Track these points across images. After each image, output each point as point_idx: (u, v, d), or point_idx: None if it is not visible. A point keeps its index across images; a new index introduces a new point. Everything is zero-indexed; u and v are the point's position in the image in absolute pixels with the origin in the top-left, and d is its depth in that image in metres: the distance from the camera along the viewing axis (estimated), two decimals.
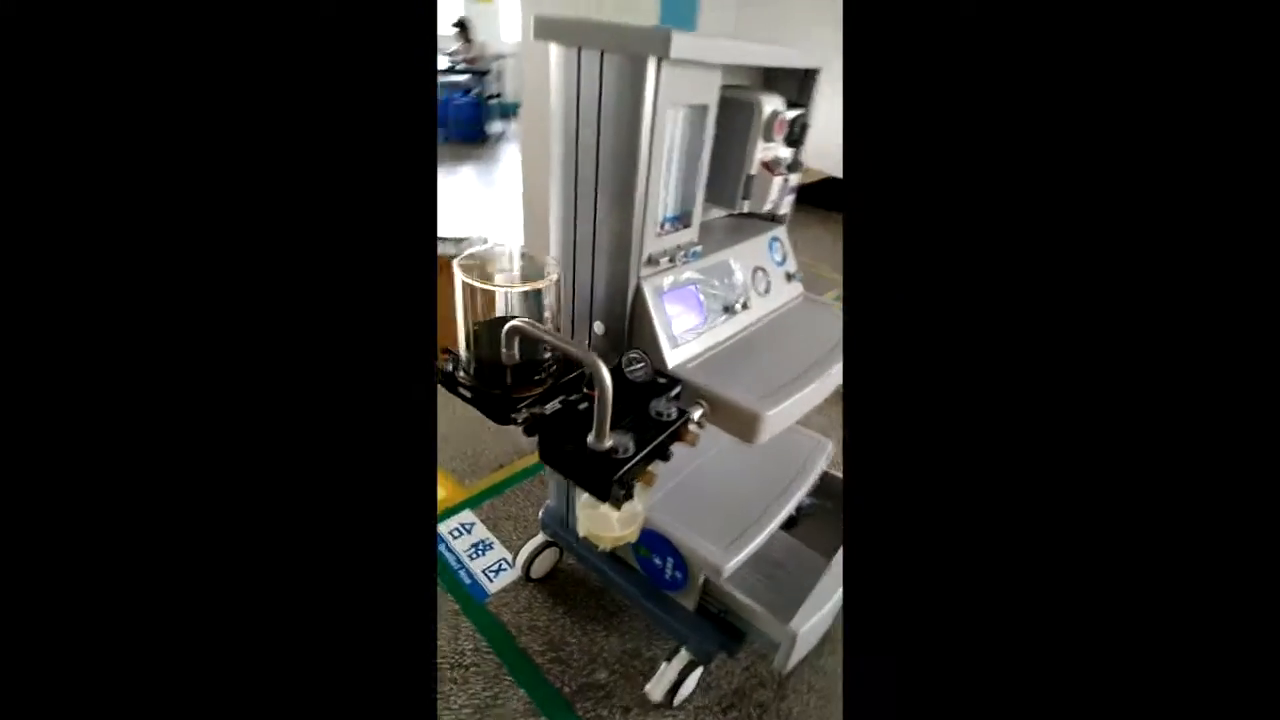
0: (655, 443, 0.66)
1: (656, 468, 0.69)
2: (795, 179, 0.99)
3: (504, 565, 1.39)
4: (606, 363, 0.59)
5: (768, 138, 0.90)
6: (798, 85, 0.98)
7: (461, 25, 5.92)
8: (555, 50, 0.75)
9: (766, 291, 1.00)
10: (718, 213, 1.08)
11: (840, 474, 1.25)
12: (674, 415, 0.71)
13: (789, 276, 1.07)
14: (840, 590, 1.02)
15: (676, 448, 0.71)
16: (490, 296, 0.70)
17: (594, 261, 0.84)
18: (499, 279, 0.73)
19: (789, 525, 1.17)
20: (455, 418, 1.81)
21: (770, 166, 0.92)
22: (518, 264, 0.77)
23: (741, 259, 0.97)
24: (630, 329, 0.83)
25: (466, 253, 0.71)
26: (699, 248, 0.89)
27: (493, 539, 1.46)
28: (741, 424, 0.77)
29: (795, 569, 1.10)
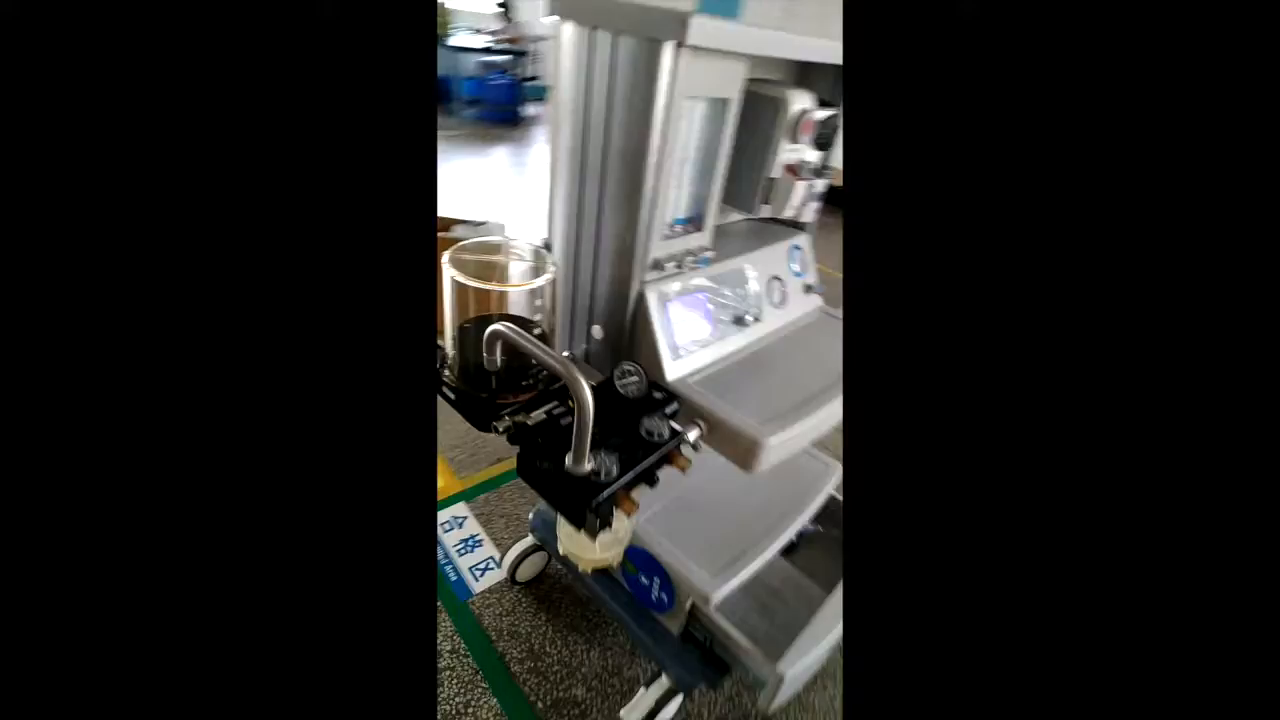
0: (640, 467, 0.60)
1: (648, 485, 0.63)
2: (822, 184, 0.91)
3: (491, 564, 1.35)
4: (601, 372, 0.54)
5: (793, 139, 0.82)
6: (833, 83, 0.90)
7: (504, 4, 5.89)
8: (569, 30, 0.69)
9: (782, 303, 0.93)
10: (735, 216, 1.00)
11: None
12: (666, 435, 0.65)
13: (808, 288, 1.00)
14: (839, 627, 0.95)
15: None
16: (479, 293, 0.64)
17: (596, 261, 0.78)
18: (497, 271, 0.68)
19: (789, 551, 1.11)
20: None
21: (794, 170, 0.85)
22: (515, 258, 0.71)
23: (757, 267, 0.90)
24: (630, 336, 0.77)
25: (457, 245, 0.66)
26: (711, 253, 0.83)
27: (483, 535, 1.42)
28: (740, 449, 0.71)
29: (791, 599, 1.03)
